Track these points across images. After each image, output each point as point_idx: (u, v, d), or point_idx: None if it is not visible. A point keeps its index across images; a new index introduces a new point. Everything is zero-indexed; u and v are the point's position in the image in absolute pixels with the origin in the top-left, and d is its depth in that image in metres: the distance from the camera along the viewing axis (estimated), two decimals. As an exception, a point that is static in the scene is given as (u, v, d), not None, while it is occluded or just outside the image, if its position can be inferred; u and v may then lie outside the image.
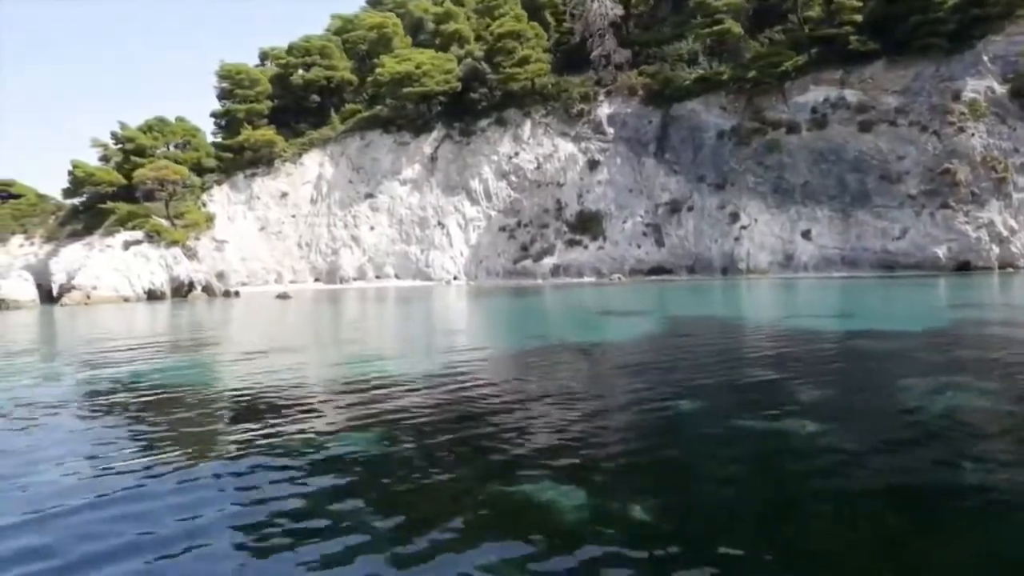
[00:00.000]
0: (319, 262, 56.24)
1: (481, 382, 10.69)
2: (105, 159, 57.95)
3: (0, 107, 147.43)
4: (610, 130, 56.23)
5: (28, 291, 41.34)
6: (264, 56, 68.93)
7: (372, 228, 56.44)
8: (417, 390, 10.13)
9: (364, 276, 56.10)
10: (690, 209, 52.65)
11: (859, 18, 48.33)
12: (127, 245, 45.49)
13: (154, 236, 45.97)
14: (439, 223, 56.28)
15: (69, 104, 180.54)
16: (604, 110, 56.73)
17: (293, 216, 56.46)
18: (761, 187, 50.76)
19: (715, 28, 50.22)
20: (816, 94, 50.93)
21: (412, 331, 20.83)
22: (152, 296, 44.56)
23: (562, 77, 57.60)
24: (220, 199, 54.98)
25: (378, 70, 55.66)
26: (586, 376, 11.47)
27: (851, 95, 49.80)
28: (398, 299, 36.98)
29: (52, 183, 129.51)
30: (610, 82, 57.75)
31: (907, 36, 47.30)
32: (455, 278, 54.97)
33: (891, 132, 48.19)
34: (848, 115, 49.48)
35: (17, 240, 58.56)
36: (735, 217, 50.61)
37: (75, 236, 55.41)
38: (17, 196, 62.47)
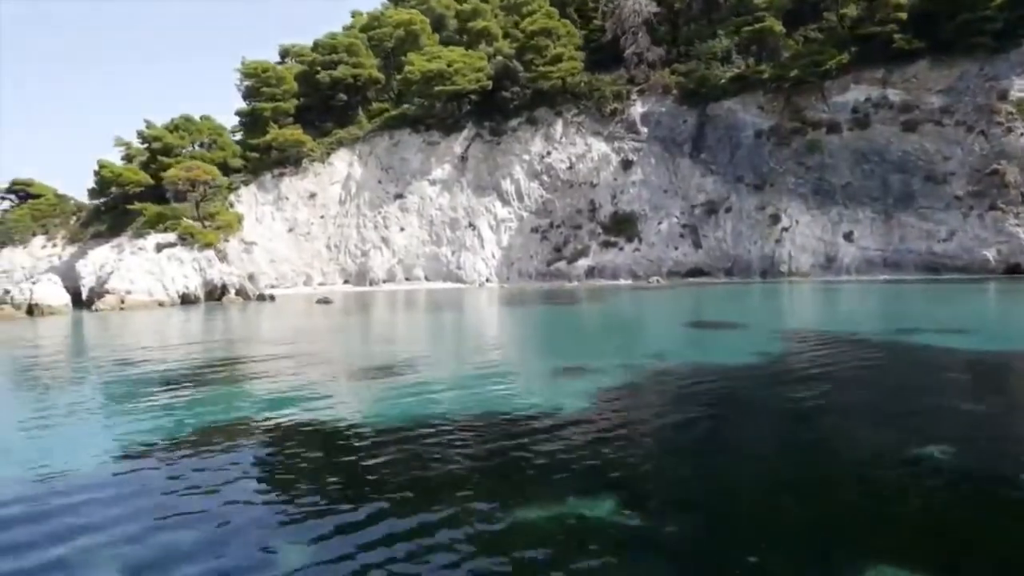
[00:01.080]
0: (348, 264, 55.24)
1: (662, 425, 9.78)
2: (128, 158, 56.88)
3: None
4: (644, 129, 55.29)
5: (61, 296, 40.19)
6: (285, 53, 67.85)
7: (402, 229, 55.46)
8: (607, 428, 9.23)
9: (394, 278, 55.15)
10: (728, 210, 51.75)
11: (903, 16, 47.35)
12: (160, 247, 44.44)
13: (187, 238, 44.93)
14: (470, 224, 55.31)
15: (77, 103, 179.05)
16: (637, 109, 55.77)
17: (322, 217, 55.43)
18: (801, 188, 49.90)
19: (756, 26, 49.21)
20: (857, 93, 50.06)
21: (514, 346, 19.94)
22: (186, 300, 43.53)
23: (593, 75, 56.58)
24: (248, 199, 53.94)
25: (408, 68, 54.60)
26: (802, 421, 10.49)
27: (894, 94, 48.94)
28: (446, 305, 36.02)
29: (63, 183, 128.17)
30: (643, 81, 56.79)
31: (953, 35, 46.40)
32: (487, 280, 54.01)
33: (936, 132, 47.35)
34: (891, 115, 48.61)
35: (39, 241, 57.57)
36: (776, 219, 49.73)
37: (100, 237, 54.44)
38: (36, 196, 61.49)
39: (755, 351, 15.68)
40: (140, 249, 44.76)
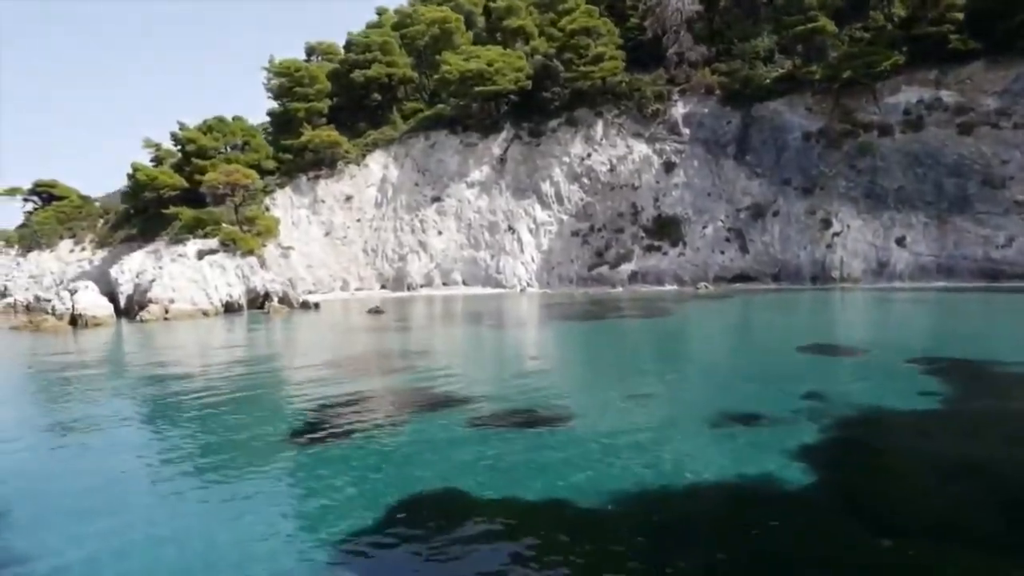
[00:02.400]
0: (386, 268, 54.09)
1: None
2: (158, 160, 55.56)
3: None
4: (686, 131, 54.19)
5: (103, 305, 38.93)
6: (312, 51, 66.56)
7: (440, 233, 54.31)
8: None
9: (431, 283, 54.02)
10: (776, 214, 50.71)
11: (959, 16, 46.27)
12: (201, 254, 43.20)
13: (229, 245, 43.70)
14: (509, 228, 54.19)
15: (76, 103, 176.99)
16: (679, 110, 54.65)
17: (358, 220, 54.22)
18: (853, 192, 48.90)
19: (809, 26, 48.04)
20: (909, 95, 49.03)
21: (639, 381, 18.84)
22: (229, 308, 42.36)
23: (632, 75, 55.39)
24: (283, 202, 52.71)
25: (444, 68, 53.32)
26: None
27: (948, 96, 47.90)
28: (506, 319, 34.94)
29: (76, 183, 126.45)
30: (684, 80, 55.67)
31: (1009, 35, 45.36)
32: (528, 285, 52.92)
33: (993, 135, 46.34)
34: (945, 117, 47.60)
35: (66, 245, 56.29)
36: (826, 223, 48.72)
37: (131, 241, 53.21)
38: (60, 198, 60.19)
39: (919, 390, 14.67)
40: (180, 256, 43.52)
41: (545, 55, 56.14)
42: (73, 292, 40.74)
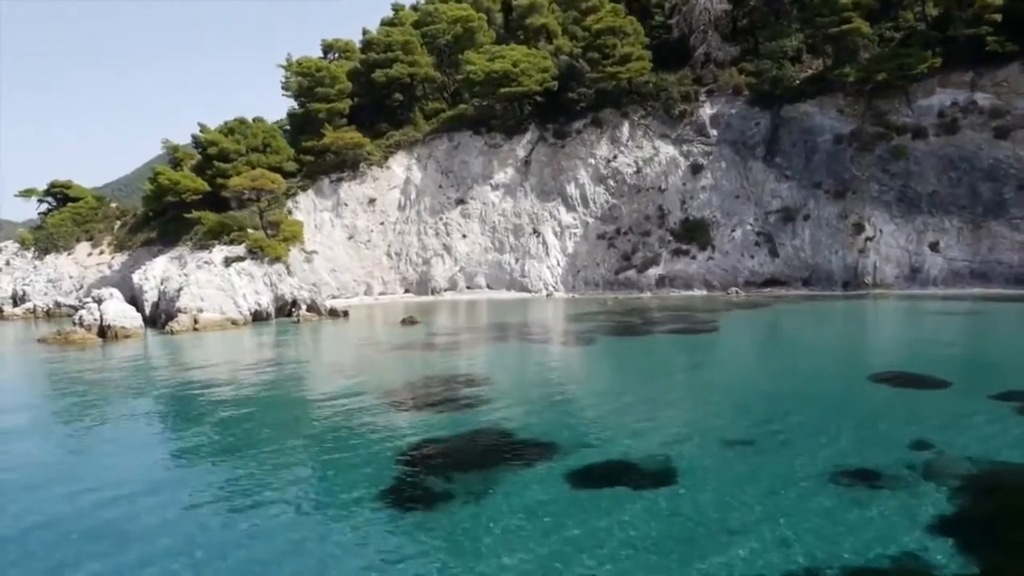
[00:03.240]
0: (409, 272, 53.41)
1: None
2: (176, 163, 54.69)
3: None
4: (713, 132, 53.39)
5: (132, 316, 38.14)
6: (328, 49, 65.42)
7: (464, 236, 53.61)
8: None
9: (455, 286, 53.38)
10: (806, 218, 50.04)
11: (998, 17, 45.41)
12: (228, 262, 42.46)
13: (256, 252, 42.96)
14: (534, 231, 53.48)
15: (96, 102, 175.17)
16: (706, 111, 53.82)
17: (381, 224, 53.46)
18: (886, 196, 48.26)
19: (844, 27, 47.14)
20: (943, 97, 48.26)
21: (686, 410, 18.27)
22: (257, 317, 41.69)
23: (658, 75, 54.47)
24: (306, 206, 51.91)
25: (469, 68, 52.41)
26: None
27: (983, 99, 47.13)
28: (547, 332, 34.33)
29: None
30: (710, 80, 54.79)
31: (1047, 37, 44.61)
32: (554, 289, 52.27)
33: (1030, 139, 45.65)
34: (981, 120, 46.86)
35: (83, 248, 55.50)
36: (859, 228, 48.09)
37: (150, 245, 52.45)
38: (75, 199, 59.30)
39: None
40: (206, 263, 42.81)
41: (570, 55, 55.22)
42: (99, 301, 40.02)
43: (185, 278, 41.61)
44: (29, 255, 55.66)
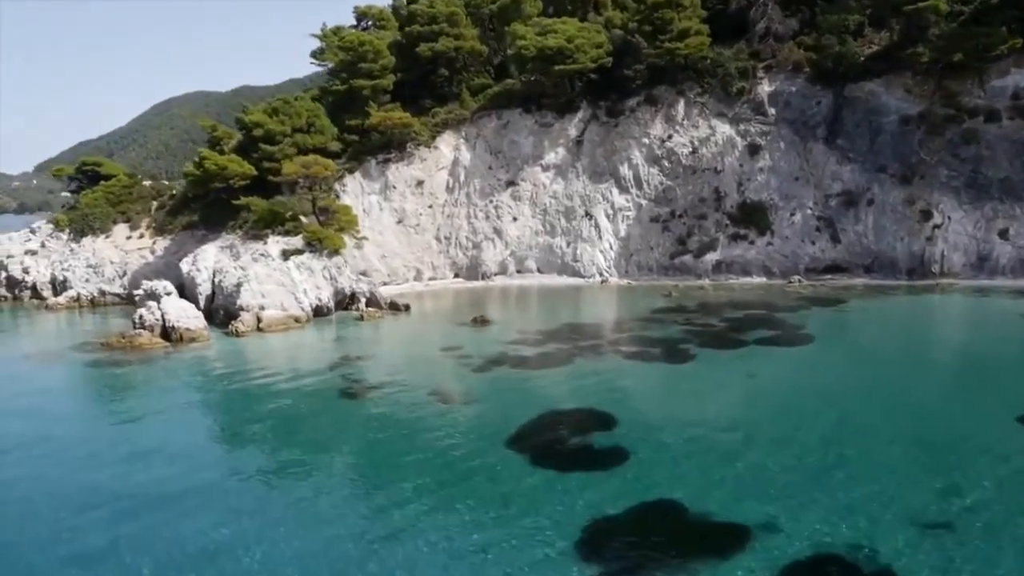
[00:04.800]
0: (459, 257, 52.05)
1: None
2: (214, 143, 52.70)
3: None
4: (772, 111, 51.53)
5: (195, 316, 36.82)
6: (362, 16, 62.76)
7: (515, 219, 52.11)
8: None
9: (505, 271, 52.12)
10: (870, 203, 48.69)
11: (1082, -5, 43.45)
12: (286, 255, 41.04)
13: (315, 245, 41.54)
14: (586, 213, 52.00)
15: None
16: (765, 88, 51.85)
17: (430, 207, 51.86)
18: (955, 181, 46.90)
19: (920, 5, 45.03)
20: (1018, 78, 46.61)
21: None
22: (318, 313, 40.49)
23: (714, 50, 52.25)
24: (353, 189, 50.17)
25: (520, 43, 50.14)
26: None
27: (1060, 80, 45.47)
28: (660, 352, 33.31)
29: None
30: (769, 56, 52.69)
31: None
32: (607, 274, 51.04)
33: (1110, 124, 44.18)
34: (1058, 103, 45.28)
35: (121, 230, 53.84)
36: (927, 215, 46.87)
37: (192, 229, 50.87)
38: (107, 177, 57.36)
39: None
40: (263, 256, 41.41)
41: (622, 27, 52.90)
42: (155, 297, 38.73)
43: (242, 272, 40.24)
44: (64, 237, 53.94)
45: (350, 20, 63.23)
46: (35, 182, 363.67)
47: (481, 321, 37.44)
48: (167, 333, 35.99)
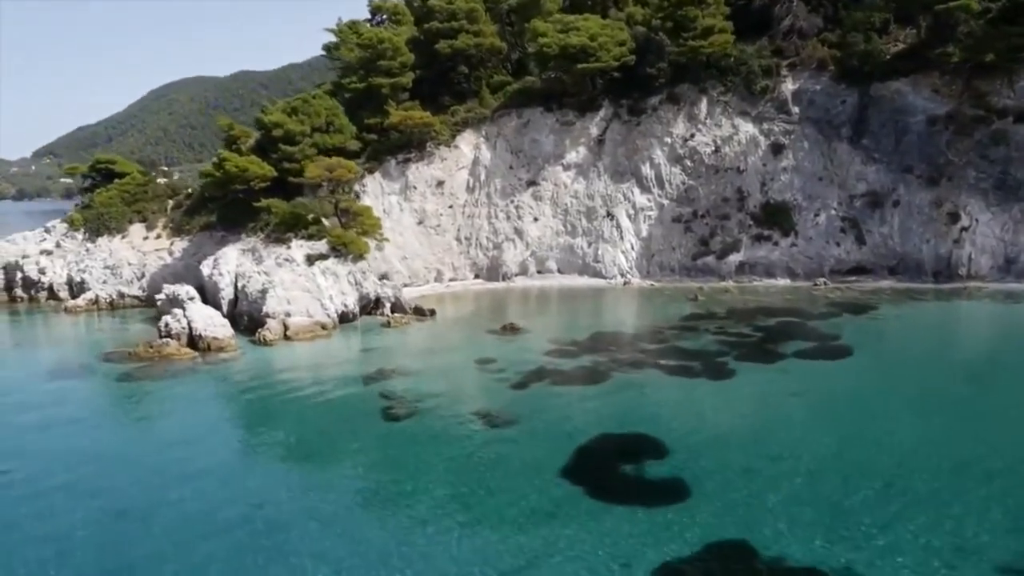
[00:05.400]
0: (479, 257, 51.61)
1: None
2: (231, 141, 52.03)
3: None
4: (795, 109, 50.98)
5: (222, 324, 36.35)
6: (376, 10, 61.87)
7: (536, 219, 51.64)
8: None
9: (526, 271, 51.74)
10: (896, 204, 48.27)
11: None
12: (311, 260, 40.58)
13: (340, 249, 41.06)
14: (608, 213, 51.53)
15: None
16: (788, 86, 51.27)
17: (450, 207, 51.33)
18: (983, 183, 46.44)
19: (951, 4, 44.35)
20: (1048, 78, 45.97)
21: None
22: (343, 319, 40.08)
23: (737, 47, 51.55)
24: (373, 189, 49.59)
25: (542, 40, 49.42)
26: None
27: (1091, 81, 44.93)
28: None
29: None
30: (792, 53, 52.03)
31: None
32: (628, 275, 50.66)
33: None
34: (1089, 105, 44.77)
35: (137, 230, 53.27)
36: (954, 217, 46.50)
37: (211, 230, 50.33)
38: (121, 175, 56.69)
39: None
40: (287, 261, 40.95)
41: (644, 24, 52.16)
42: (178, 302, 38.37)
43: (267, 277, 39.80)
44: (79, 237, 53.36)
45: (348, 6, 62.38)
46: (34, 168, 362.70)
47: (511, 329, 37.09)
48: (194, 342, 35.58)
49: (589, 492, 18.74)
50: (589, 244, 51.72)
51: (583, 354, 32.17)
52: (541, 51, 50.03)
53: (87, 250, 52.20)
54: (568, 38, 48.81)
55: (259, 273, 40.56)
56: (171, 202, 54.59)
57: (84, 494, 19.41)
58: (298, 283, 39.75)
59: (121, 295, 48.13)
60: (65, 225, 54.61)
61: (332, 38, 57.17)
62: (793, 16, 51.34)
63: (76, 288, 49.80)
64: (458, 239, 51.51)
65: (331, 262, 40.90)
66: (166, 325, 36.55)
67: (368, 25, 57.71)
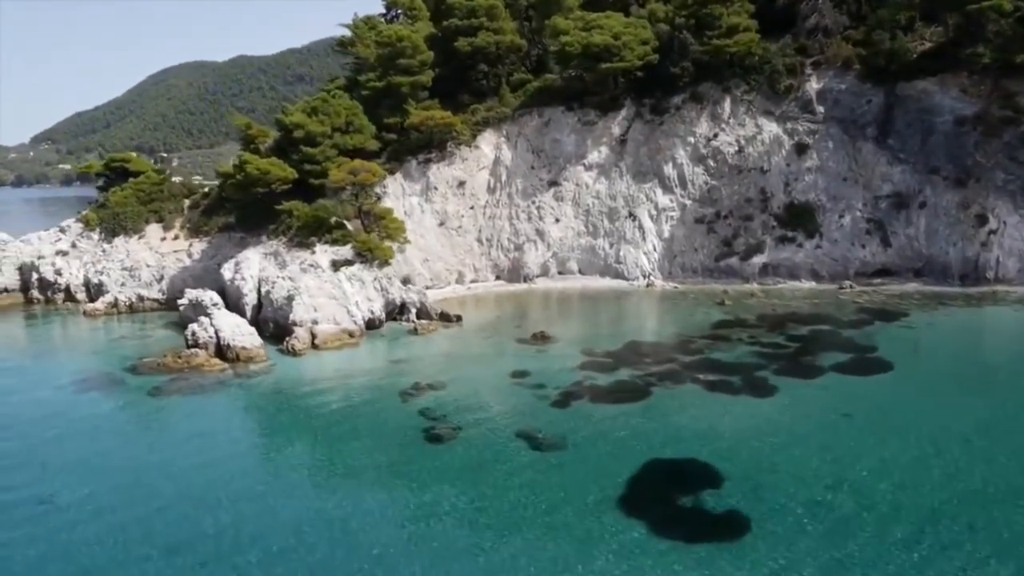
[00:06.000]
0: (501, 259, 51.20)
1: None
2: (247, 141, 51.43)
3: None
4: (820, 109, 50.40)
5: (250, 333, 35.90)
6: (391, 5, 61.01)
7: (557, 220, 51.19)
8: None
9: (547, 272, 51.38)
10: (922, 205, 47.84)
11: None
12: (336, 266, 40.17)
13: (366, 255, 40.63)
14: (630, 214, 51.09)
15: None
16: (813, 85, 50.66)
17: (471, 208, 50.87)
18: (1011, 185, 46.01)
19: (984, 4, 43.68)
20: (1078, 79, 45.40)
21: None
22: (370, 326, 39.72)
23: (762, 46, 50.86)
24: (394, 190, 49.05)
25: (564, 39, 48.77)
26: None
27: (1123, 82, 44.38)
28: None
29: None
30: (816, 52, 51.38)
31: None
32: (651, 277, 50.29)
33: None
34: (1120, 106, 44.25)
35: (154, 231, 52.78)
36: (982, 219, 46.12)
37: (229, 231, 49.87)
38: (136, 174, 56.11)
39: None
40: (312, 266, 40.56)
41: (666, 21, 51.43)
42: (203, 309, 38.06)
43: (292, 283, 39.42)
44: (95, 237, 52.86)
45: None
46: (32, 154, 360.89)
47: (541, 338, 36.76)
48: (222, 351, 35.30)
49: (646, 527, 18.43)
50: (611, 245, 51.32)
51: (619, 367, 31.85)
52: (563, 50, 49.39)
53: (103, 251, 51.77)
54: (591, 37, 48.17)
55: (284, 279, 40.19)
56: (187, 202, 54.04)
57: (132, 523, 19.22)
58: (324, 289, 39.36)
59: (140, 298, 47.68)
60: (80, 225, 54.12)
61: (346, 32, 56.63)
62: (818, 14, 50.65)
63: (94, 290, 49.37)
64: (479, 240, 51.08)
65: (357, 268, 40.51)
66: (193, 334, 36.25)
67: (383, 21, 56.81)
